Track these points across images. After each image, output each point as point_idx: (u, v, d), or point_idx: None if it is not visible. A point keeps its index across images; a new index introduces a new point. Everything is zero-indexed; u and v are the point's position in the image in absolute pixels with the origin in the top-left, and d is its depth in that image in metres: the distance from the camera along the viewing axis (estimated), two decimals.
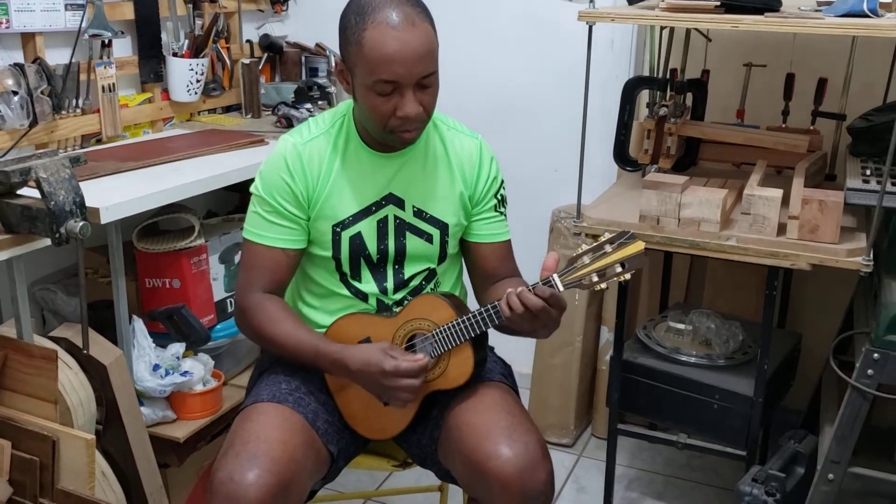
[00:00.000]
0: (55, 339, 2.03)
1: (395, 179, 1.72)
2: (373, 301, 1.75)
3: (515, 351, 2.08)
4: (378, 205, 1.72)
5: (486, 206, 1.78)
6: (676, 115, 2.37)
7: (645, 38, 2.74)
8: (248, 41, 3.02)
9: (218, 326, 2.41)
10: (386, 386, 1.58)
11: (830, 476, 2.02)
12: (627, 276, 1.53)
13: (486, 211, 1.78)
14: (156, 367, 2.19)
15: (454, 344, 1.62)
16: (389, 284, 1.75)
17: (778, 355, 2.32)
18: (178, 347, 2.24)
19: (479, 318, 1.59)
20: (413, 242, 1.74)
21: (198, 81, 2.71)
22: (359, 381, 1.64)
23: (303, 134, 1.72)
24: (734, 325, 2.36)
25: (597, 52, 2.18)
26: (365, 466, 1.86)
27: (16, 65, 2.19)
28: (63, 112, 2.33)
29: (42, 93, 2.24)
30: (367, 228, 1.71)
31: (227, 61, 2.89)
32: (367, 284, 1.75)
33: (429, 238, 1.74)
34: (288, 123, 2.71)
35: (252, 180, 1.74)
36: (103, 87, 2.42)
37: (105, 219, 1.89)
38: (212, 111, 2.92)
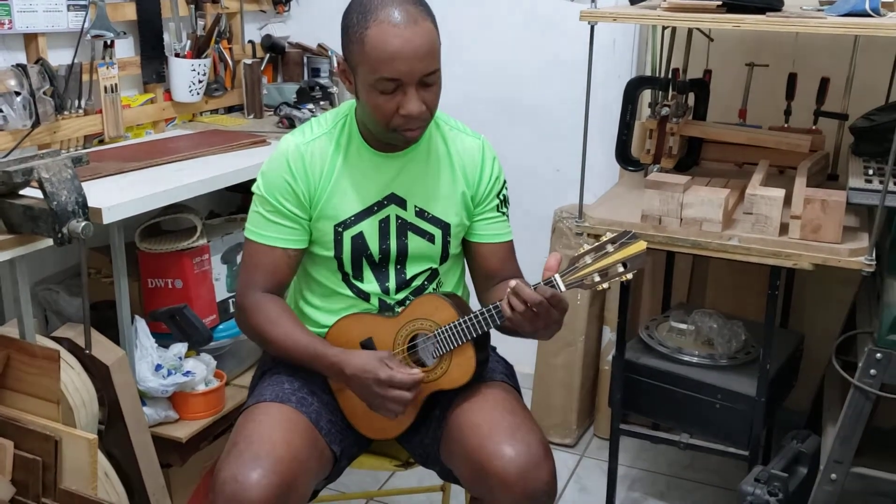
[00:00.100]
0: (58, 340, 2.03)
1: (396, 179, 1.72)
2: (375, 301, 1.75)
3: (518, 351, 2.07)
4: (380, 205, 1.72)
5: (489, 207, 1.78)
6: (678, 114, 2.37)
7: (647, 37, 2.74)
8: (250, 42, 3.02)
9: (220, 326, 2.41)
10: (378, 394, 1.59)
11: (833, 476, 2.02)
12: (629, 275, 1.53)
13: (487, 211, 1.78)
14: (158, 368, 2.19)
15: (456, 344, 1.62)
16: (391, 284, 1.75)
17: (780, 355, 2.32)
18: (180, 347, 2.24)
19: (480, 318, 1.59)
20: (415, 242, 1.74)
21: (200, 82, 2.71)
22: (352, 386, 1.64)
23: (305, 134, 1.73)
24: (736, 324, 2.36)
25: (599, 52, 2.18)
26: (367, 466, 1.86)
27: (18, 65, 2.20)
28: (65, 113, 2.33)
29: (44, 93, 2.24)
30: (369, 228, 1.71)
31: (230, 62, 2.89)
32: (369, 284, 1.75)
33: (430, 238, 1.74)
34: (290, 124, 2.71)
35: (254, 181, 1.74)
36: (106, 88, 2.42)
37: (107, 219, 1.89)
38: (214, 112, 2.92)
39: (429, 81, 1.58)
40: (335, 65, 3.01)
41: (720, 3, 2.00)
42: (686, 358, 2.30)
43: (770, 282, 2.08)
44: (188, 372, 2.23)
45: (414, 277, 1.76)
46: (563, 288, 1.54)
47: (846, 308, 2.50)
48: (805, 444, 2.15)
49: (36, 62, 2.25)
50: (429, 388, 1.67)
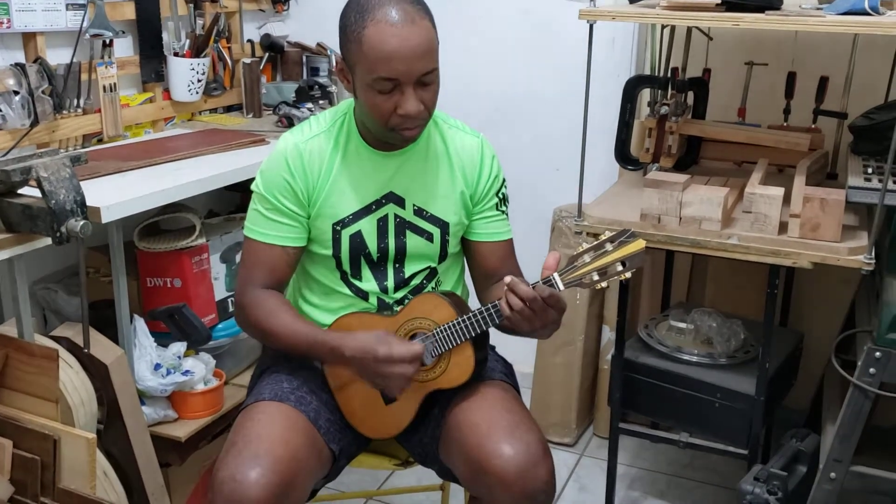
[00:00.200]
0: (56, 339, 2.03)
1: (395, 178, 1.72)
2: (373, 300, 1.75)
3: (517, 350, 2.07)
4: (378, 203, 1.72)
5: (488, 205, 1.77)
6: (678, 113, 2.36)
7: (646, 36, 2.74)
8: (249, 41, 3.02)
9: (219, 326, 2.41)
10: (379, 372, 1.57)
11: (832, 475, 2.02)
12: (628, 274, 1.53)
13: (487, 210, 1.78)
14: (157, 367, 2.19)
15: (455, 343, 1.62)
16: (390, 283, 1.75)
17: (780, 354, 2.31)
18: (179, 347, 2.24)
19: (479, 317, 1.59)
20: (413, 241, 1.74)
21: (199, 81, 2.71)
22: (354, 368, 1.63)
23: (304, 132, 1.72)
24: (736, 323, 2.36)
25: (598, 51, 2.18)
26: (367, 465, 1.86)
27: (17, 64, 2.20)
28: (64, 112, 2.33)
29: (43, 92, 2.24)
30: (368, 227, 1.71)
31: (229, 61, 2.89)
32: (368, 283, 1.75)
33: (429, 237, 1.74)
34: (289, 123, 2.71)
35: (253, 180, 1.74)
36: (104, 87, 2.42)
37: (106, 218, 1.89)
38: (213, 111, 2.92)
39: (427, 81, 1.58)
40: (334, 64, 3.01)
41: (719, 1, 2.00)
42: (685, 357, 2.30)
43: (769, 280, 2.08)
44: (187, 371, 2.23)
45: (413, 276, 1.76)
46: (561, 287, 1.54)
47: (845, 307, 2.50)
48: (804, 443, 2.15)
49: (34, 61, 2.25)
50: (427, 388, 1.67)
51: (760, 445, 2.28)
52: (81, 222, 1.73)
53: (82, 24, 2.33)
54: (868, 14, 1.88)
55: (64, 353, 1.97)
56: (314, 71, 3.09)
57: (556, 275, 1.54)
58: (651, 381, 2.30)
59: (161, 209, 2.27)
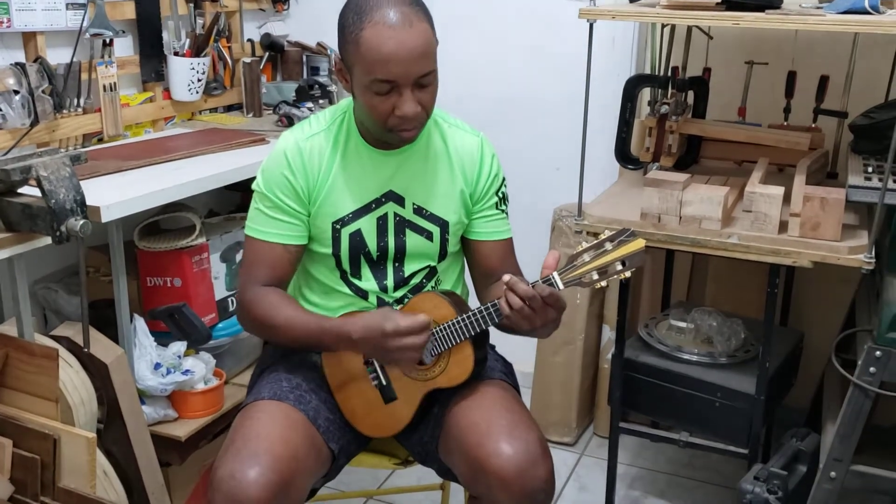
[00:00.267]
0: (56, 338, 2.03)
1: (395, 177, 1.72)
2: (373, 299, 1.75)
3: (517, 350, 2.07)
4: (378, 202, 1.71)
5: (487, 204, 1.77)
6: (678, 112, 2.36)
7: (646, 35, 2.74)
8: (249, 40, 3.02)
9: (219, 325, 2.41)
10: (390, 347, 1.56)
11: (833, 474, 2.01)
12: (628, 273, 1.53)
13: (486, 209, 1.78)
14: (157, 366, 2.19)
15: (454, 342, 1.62)
16: (389, 282, 1.75)
17: (780, 353, 2.31)
18: (179, 346, 2.24)
19: (478, 316, 1.59)
20: (413, 240, 1.74)
21: (199, 80, 2.71)
22: (363, 349, 1.63)
23: (303, 130, 1.73)
24: (736, 322, 2.36)
25: (598, 50, 2.18)
26: (366, 464, 1.86)
27: (17, 64, 2.20)
28: (64, 111, 2.33)
29: (43, 92, 2.24)
30: (367, 226, 1.71)
31: (229, 60, 2.89)
32: (368, 282, 1.75)
33: (429, 235, 1.74)
34: (289, 122, 2.71)
35: (253, 179, 1.74)
36: (104, 87, 2.42)
37: (106, 217, 1.89)
38: (213, 110, 2.92)
39: (424, 82, 1.58)
40: (334, 63, 3.00)
41: (719, 0, 2.00)
42: (685, 356, 2.30)
43: (769, 280, 2.08)
44: (187, 370, 2.24)
45: (412, 275, 1.76)
46: (561, 286, 1.54)
47: (846, 306, 2.50)
48: (804, 442, 2.14)
49: (35, 61, 2.25)
50: (427, 386, 1.67)
51: (760, 445, 2.28)
52: (81, 221, 1.73)
53: (82, 23, 2.33)
54: (868, 13, 1.88)
55: (64, 353, 1.97)
56: (314, 70, 3.09)
57: (555, 274, 1.54)
58: (651, 380, 2.30)
59: (161, 208, 2.27)
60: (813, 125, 2.43)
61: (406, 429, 1.73)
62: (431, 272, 1.78)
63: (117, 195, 1.96)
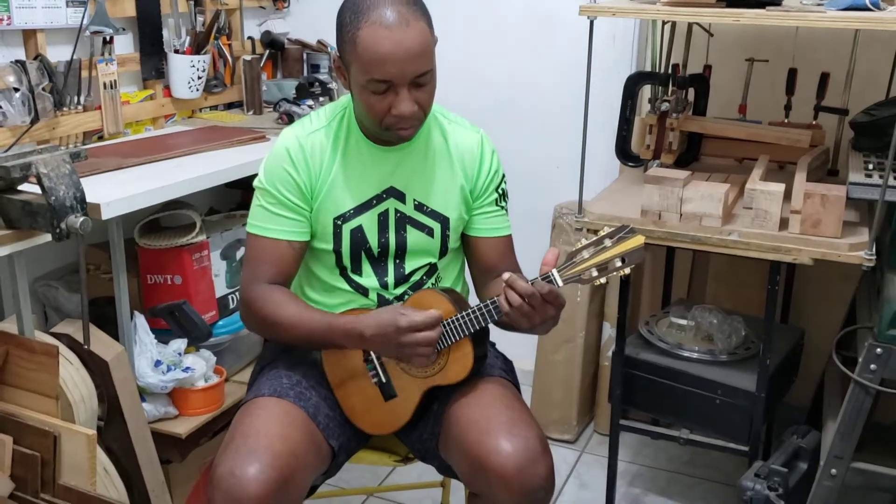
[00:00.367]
0: (56, 335, 2.03)
1: (395, 173, 1.72)
2: (373, 296, 1.75)
3: (517, 347, 2.07)
4: (379, 198, 1.72)
5: (487, 201, 1.77)
6: (678, 110, 2.36)
7: (647, 32, 2.73)
8: (249, 38, 3.02)
9: (220, 323, 2.41)
10: (404, 343, 1.56)
11: (833, 471, 2.01)
12: (627, 270, 1.53)
13: (486, 205, 1.78)
14: (157, 363, 2.19)
15: (454, 339, 1.62)
16: (390, 279, 1.75)
17: (780, 351, 2.31)
18: (179, 343, 2.24)
19: (478, 313, 1.59)
20: (414, 236, 1.74)
21: (199, 78, 2.71)
22: (376, 346, 1.63)
23: (304, 126, 1.73)
24: (736, 320, 2.35)
25: (598, 47, 2.18)
26: (366, 461, 1.86)
27: (17, 61, 2.20)
28: (65, 109, 2.33)
29: (43, 89, 2.24)
30: (368, 222, 1.71)
31: (229, 58, 2.89)
32: (368, 279, 1.75)
33: (429, 232, 1.74)
34: (289, 120, 2.71)
35: (254, 177, 1.74)
36: (105, 84, 2.42)
37: (106, 215, 1.89)
38: (213, 108, 2.92)
39: (421, 81, 1.58)
40: (333, 62, 3.00)
41: None
42: (686, 353, 2.30)
43: (770, 277, 2.08)
44: (187, 368, 2.24)
45: (413, 272, 1.76)
46: (560, 283, 1.53)
47: (846, 303, 2.50)
48: (805, 440, 2.14)
49: (35, 58, 2.25)
50: (427, 384, 1.67)
51: (761, 442, 2.28)
52: (81, 218, 1.73)
53: (83, 20, 2.33)
54: (869, 10, 1.88)
55: (64, 350, 1.97)
56: (314, 68, 3.09)
57: (554, 271, 1.54)
58: (652, 377, 2.30)
59: (161, 206, 2.27)
60: (813, 122, 2.42)
61: (406, 426, 1.73)
62: (432, 269, 1.78)
63: (118, 192, 1.96)
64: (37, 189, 1.73)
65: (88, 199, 1.79)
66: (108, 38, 2.41)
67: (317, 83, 2.83)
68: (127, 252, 2.11)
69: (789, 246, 1.99)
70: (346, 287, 1.75)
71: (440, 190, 1.74)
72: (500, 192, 1.79)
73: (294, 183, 1.69)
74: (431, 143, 1.74)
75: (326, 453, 1.66)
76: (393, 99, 1.56)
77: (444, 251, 1.77)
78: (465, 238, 1.81)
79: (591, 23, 2.09)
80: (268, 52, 3.05)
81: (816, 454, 2.11)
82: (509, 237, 1.82)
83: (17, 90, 2.17)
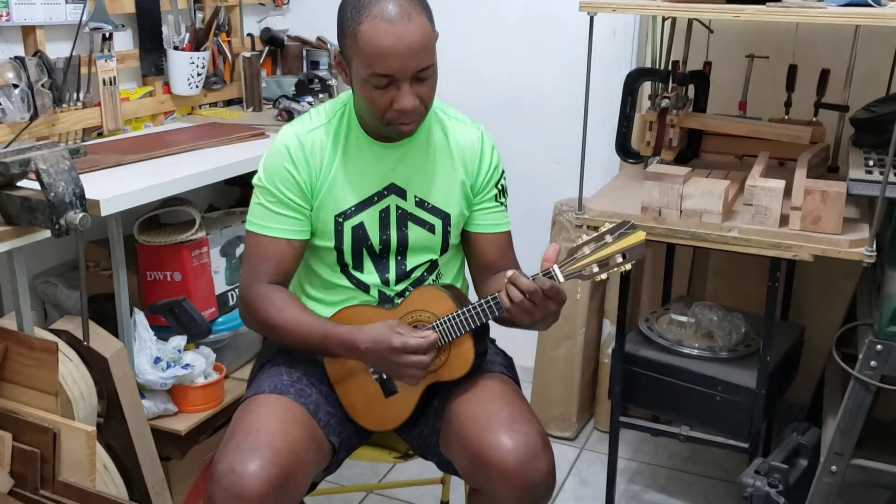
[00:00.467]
0: (56, 332, 2.03)
1: (396, 169, 1.71)
2: (374, 292, 1.75)
3: (517, 344, 2.07)
4: (380, 195, 1.71)
5: (487, 196, 1.77)
6: (678, 106, 2.36)
7: (647, 29, 2.73)
8: (249, 35, 3.02)
9: (219, 319, 2.40)
10: (395, 363, 1.57)
11: (833, 468, 2.01)
12: (628, 266, 1.52)
13: (486, 201, 1.77)
14: (157, 360, 2.19)
15: (455, 336, 1.61)
16: (391, 276, 1.75)
17: (781, 347, 2.31)
18: (179, 340, 2.24)
19: (479, 309, 1.59)
20: (415, 232, 1.73)
21: (199, 75, 2.71)
22: (368, 360, 1.63)
23: (304, 124, 1.72)
24: (737, 317, 2.35)
25: (598, 44, 2.17)
26: (367, 458, 1.86)
27: (16, 58, 2.19)
28: (64, 105, 2.32)
29: (43, 86, 2.23)
30: (370, 218, 1.71)
31: (229, 55, 2.89)
32: (369, 275, 1.74)
33: (431, 228, 1.74)
34: (289, 116, 2.70)
35: (253, 174, 1.74)
36: (104, 81, 2.42)
37: (105, 211, 1.89)
38: (213, 105, 2.92)
39: (423, 76, 1.57)
40: (334, 57, 3.00)
41: None
42: (686, 350, 2.30)
43: (770, 274, 2.08)
44: (187, 365, 2.23)
45: (414, 269, 1.76)
46: (561, 279, 1.53)
47: (846, 300, 2.49)
48: (805, 436, 2.14)
49: (34, 55, 2.24)
50: (427, 380, 1.67)
51: (761, 439, 2.28)
52: (80, 214, 1.73)
53: (82, 17, 2.33)
54: (869, 5, 1.87)
55: (63, 347, 1.96)
56: (314, 65, 3.08)
57: (555, 267, 1.54)
58: (652, 374, 2.30)
59: (161, 203, 2.27)
60: (814, 119, 2.42)
61: (406, 422, 1.72)
62: (433, 266, 1.78)
63: (117, 189, 1.95)
64: (36, 185, 1.73)
65: (88, 195, 1.79)
66: (107, 34, 2.40)
67: (316, 80, 2.82)
68: (126, 249, 2.11)
69: (789, 242, 1.99)
70: (348, 284, 1.75)
71: (441, 186, 1.73)
72: (500, 187, 1.79)
73: (294, 181, 1.68)
74: (432, 140, 1.74)
75: (327, 450, 1.66)
76: (395, 94, 1.56)
77: (445, 247, 1.77)
78: (464, 234, 1.81)
79: (592, 19, 2.09)
80: (267, 48, 3.05)
81: (816, 451, 2.11)
82: (509, 233, 1.82)
83: (16, 87, 2.16)
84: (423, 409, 1.72)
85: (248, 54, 2.91)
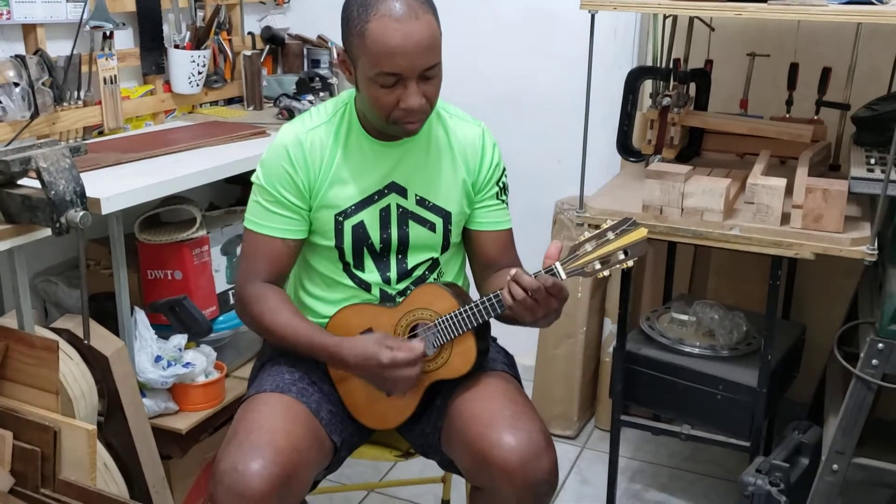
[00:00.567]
0: (56, 331, 2.03)
1: (397, 168, 1.71)
2: (375, 291, 1.74)
3: (519, 343, 2.07)
4: (380, 193, 1.71)
5: (488, 194, 1.77)
6: (679, 105, 2.35)
7: (648, 27, 2.73)
8: (249, 33, 3.01)
9: (220, 318, 2.40)
10: (384, 378, 1.59)
11: (835, 467, 2.01)
12: (630, 263, 1.52)
13: (487, 199, 1.77)
14: (158, 359, 2.19)
15: (456, 334, 1.61)
16: (392, 274, 1.74)
17: (782, 346, 2.31)
18: (180, 339, 2.24)
19: (481, 307, 1.59)
20: (416, 231, 1.73)
21: (199, 73, 2.71)
22: (357, 373, 1.64)
23: (304, 123, 1.72)
24: (738, 315, 2.35)
25: (599, 42, 2.17)
26: (368, 457, 1.86)
27: (17, 56, 2.19)
28: (64, 104, 2.32)
29: (43, 84, 2.23)
30: (370, 217, 1.71)
31: (229, 53, 2.88)
32: (371, 274, 1.74)
33: (431, 226, 1.74)
34: (290, 115, 2.70)
35: (254, 172, 1.74)
36: (105, 79, 2.41)
37: (106, 209, 1.89)
38: (213, 103, 2.91)
39: (429, 75, 1.57)
40: (335, 56, 3.00)
41: None
42: (687, 349, 2.30)
43: (771, 272, 2.07)
44: (188, 363, 2.23)
45: (415, 267, 1.76)
46: (563, 276, 1.53)
47: (848, 298, 2.49)
48: (807, 435, 2.14)
49: (35, 53, 2.24)
50: (429, 378, 1.67)
51: (762, 437, 2.28)
52: (81, 213, 1.73)
53: (82, 15, 2.33)
54: (871, 3, 1.87)
55: (64, 345, 1.96)
56: (315, 63, 3.08)
57: (558, 264, 1.54)
58: (653, 373, 2.30)
59: (162, 201, 2.26)
60: (815, 117, 2.42)
61: (408, 421, 1.72)
62: (434, 264, 1.77)
63: (118, 187, 1.95)
64: (36, 184, 1.73)
65: (88, 193, 1.79)
66: (108, 33, 2.40)
67: (317, 78, 2.82)
68: (127, 247, 2.11)
69: (791, 241, 1.99)
70: (349, 282, 1.75)
71: (442, 184, 1.73)
72: (501, 185, 1.79)
73: (292, 182, 1.68)
74: (433, 138, 1.74)
75: (329, 449, 1.66)
76: (401, 92, 1.56)
77: (446, 246, 1.77)
78: (465, 232, 1.81)
79: (593, 17, 2.08)
80: (268, 47, 3.04)
81: (818, 450, 2.11)
82: (510, 231, 1.81)
83: (16, 85, 2.16)
84: (424, 408, 1.72)
85: (248, 53, 2.90)
